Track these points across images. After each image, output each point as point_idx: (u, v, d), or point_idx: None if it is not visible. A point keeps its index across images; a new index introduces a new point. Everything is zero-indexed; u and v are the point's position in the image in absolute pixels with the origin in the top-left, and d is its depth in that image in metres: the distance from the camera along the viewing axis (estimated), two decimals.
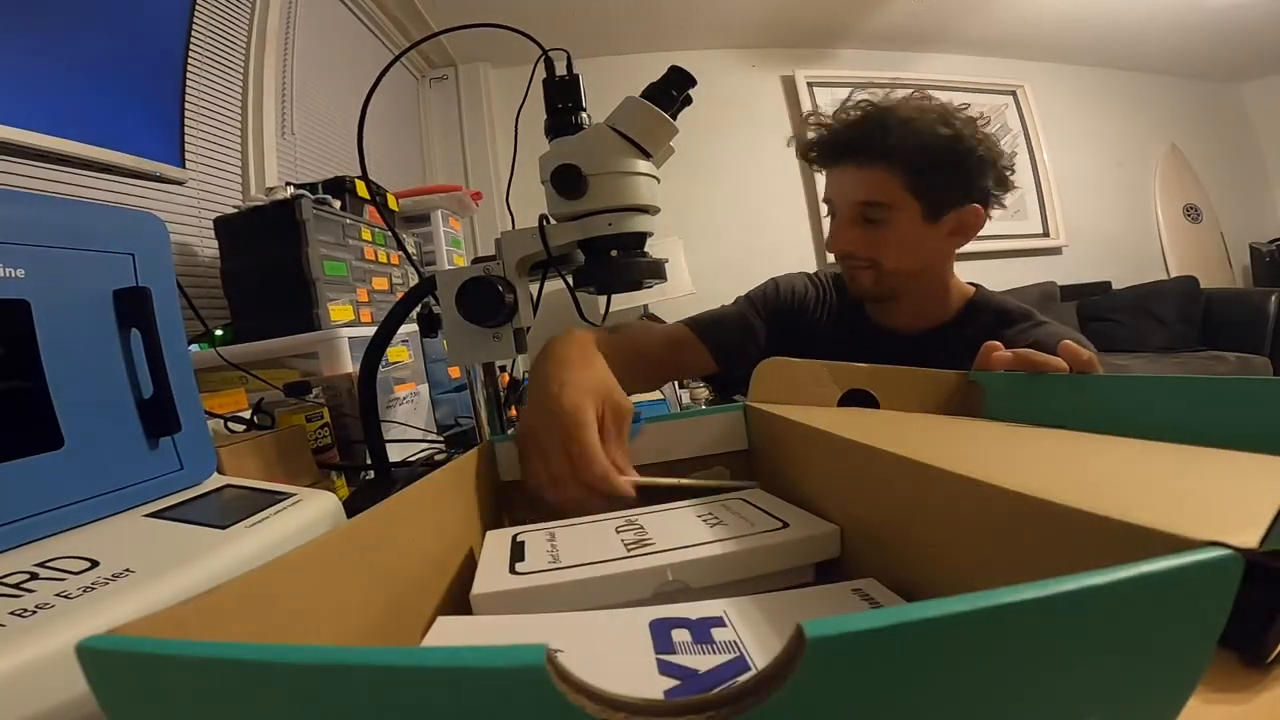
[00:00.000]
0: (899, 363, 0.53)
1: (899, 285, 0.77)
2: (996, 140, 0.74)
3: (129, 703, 0.12)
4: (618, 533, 0.33)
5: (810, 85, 3.18)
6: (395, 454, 0.83)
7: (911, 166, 0.71)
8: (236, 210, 1.12)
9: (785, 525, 0.31)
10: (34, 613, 0.24)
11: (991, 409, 0.39)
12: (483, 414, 0.69)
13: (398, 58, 0.71)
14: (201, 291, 1.20)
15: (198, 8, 1.30)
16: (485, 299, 0.60)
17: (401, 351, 1.02)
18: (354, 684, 0.11)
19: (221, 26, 1.47)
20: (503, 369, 1.23)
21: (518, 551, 0.32)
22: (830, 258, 0.84)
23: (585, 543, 0.33)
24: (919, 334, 0.79)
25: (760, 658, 0.20)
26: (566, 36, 0.71)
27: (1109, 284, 3.37)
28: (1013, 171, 0.76)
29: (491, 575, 0.30)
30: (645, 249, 0.61)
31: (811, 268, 2.79)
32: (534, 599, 0.28)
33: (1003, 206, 0.78)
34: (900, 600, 0.24)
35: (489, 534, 0.36)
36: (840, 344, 0.82)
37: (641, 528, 0.33)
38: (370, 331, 0.70)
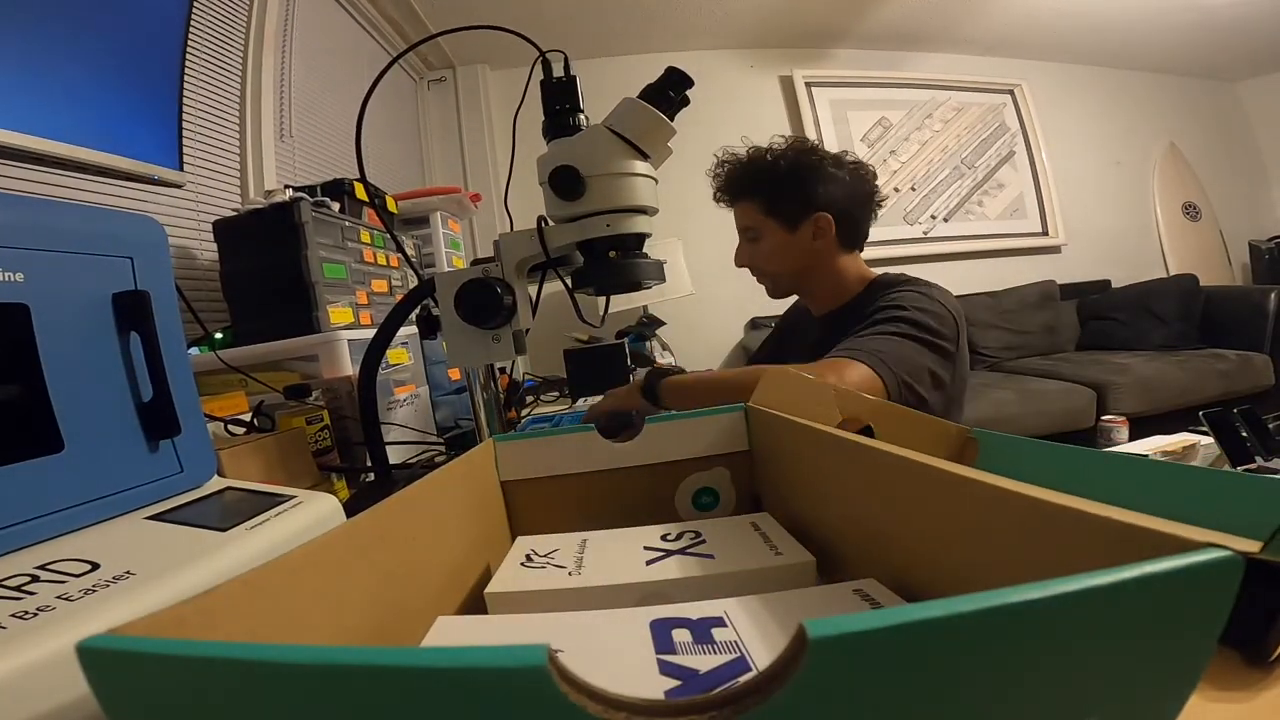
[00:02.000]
0: (819, 334, 0.96)
1: (790, 284, 1.02)
2: (839, 161, 0.95)
3: (128, 703, 0.12)
4: (645, 550, 0.34)
5: (809, 85, 3.19)
6: (395, 456, 0.83)
7: (762, 195, 0.96)
8: (235, 213, 1.12)
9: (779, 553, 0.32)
10: (35, 615, 0.24)
11: (984, 465, 0.39)
12: (483, 416, 0.69)
13: (395, 59, 0.71)
14: (201, 295, 1.21)
15: (195, 10, 1.30)
16: (484, 301, 0.60)
17: (401, 354, 1.02)
18: (355, 684, 0.11)
19: (219, 28, 1.47)
20: (502, 370, 1.23)
21: (539, 555, 0.34)
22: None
23: (609, 554, 0.33)
24: (828, 313, 1.01)
25: (761, 658, 0.20)
26: (564, 38, 0.71)
27: (1108, 282, 3.37)
28: (852, 174, 0.95)
29: (506, 575, 0.31)
30: (644, 250, 0.61)
31: None
32: (540, 601, 0.29)
33: (876, 205, 0.98)
34: (901, 600, 0.24)
35: (519, 539, 0.37)
36: (800, 331, 1.12)
37: (670, 546, 0.34)
38: (370, 334, 0.71)
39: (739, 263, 1.04)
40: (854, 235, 0.97)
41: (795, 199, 0.93)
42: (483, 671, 0.10)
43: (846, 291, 0.98)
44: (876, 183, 0.98)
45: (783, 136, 0.99)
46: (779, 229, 0.95)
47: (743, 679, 0.11)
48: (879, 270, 1.00)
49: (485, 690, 0.10)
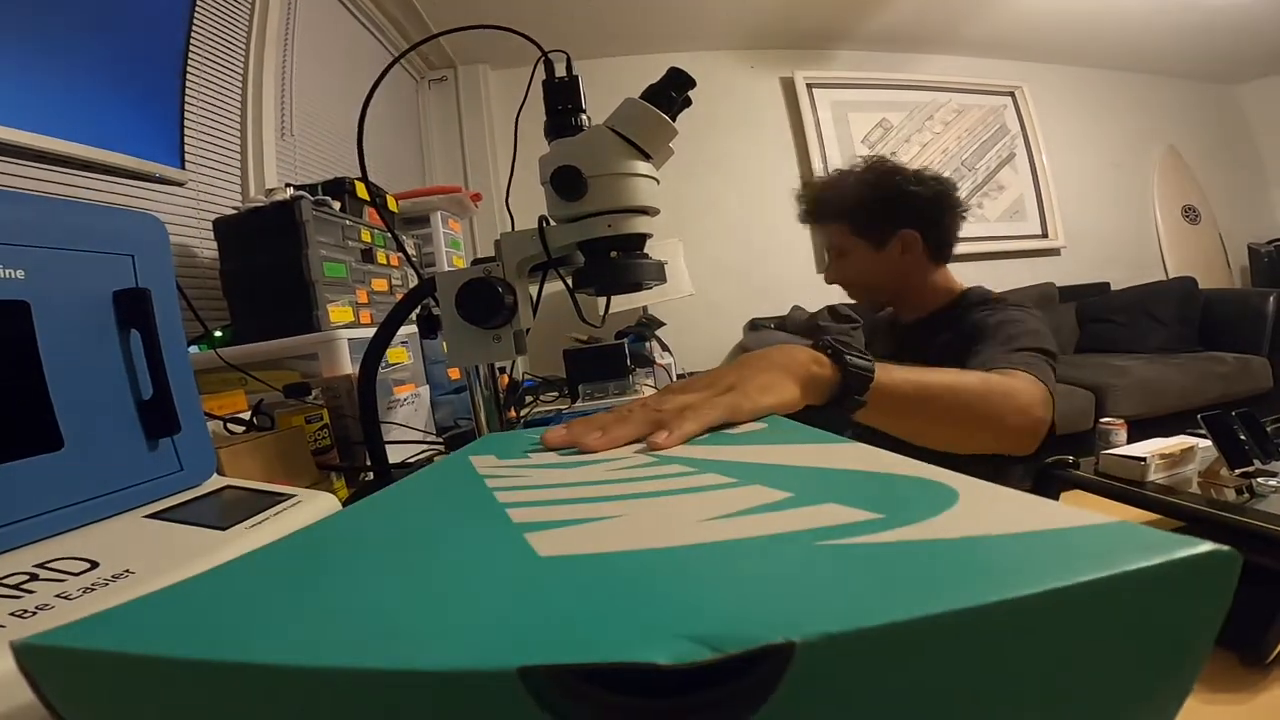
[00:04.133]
0: (904, 339, 0.96)
1: (879, 296, 1.04)
2: (919, 178, 0.95)
3: (125, 702, 0.12)
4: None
5: (809, 86, 3.19)
6: (395, 455, 0.83)
7: (850, 218, 0.97)
8: (236, 211, 1.12)
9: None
10: (34, 614, 0.24)
11: None
12: (482, 415, 0.69)
13: (397, 59, 0.71)
14: (201, 293, 1.20)
15: (198, 8, 1.30)
16: (485, 300, 0.60)
17: (401, 353, 1.02)
18: (350, 685, 0.11)
19: (221, 27, 1.47)
20: (502, 370, 1.23)
21: None
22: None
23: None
24: (915, 320, 1.02)
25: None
26: (566, 38, 0.71)
27: (1108, 285, 3.37)
28: (933, 189, 0.96)
29: None
30: (645, 250, 0.61)
31: (809, 269, 2.81)
32: None
33: (961, 216, 0.98)
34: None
35: None
36: (880, 338, 1.15)
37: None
38: (370, 333, 0.70)
39: (829, 280, 1.04)
40: (941, 248, 0.97)
41: (881, 219, 0.95)
42: (478, 673, 0.10)
43: (936, 302, 0.98)
44: (958, 194, 0.98)
45: (862, 158, 1.02)
46: (868, 248, 0.96)
47: (736, 679, 0.11)
48: (968, 284, 1.00)
49: (477, 691, 0.10)
